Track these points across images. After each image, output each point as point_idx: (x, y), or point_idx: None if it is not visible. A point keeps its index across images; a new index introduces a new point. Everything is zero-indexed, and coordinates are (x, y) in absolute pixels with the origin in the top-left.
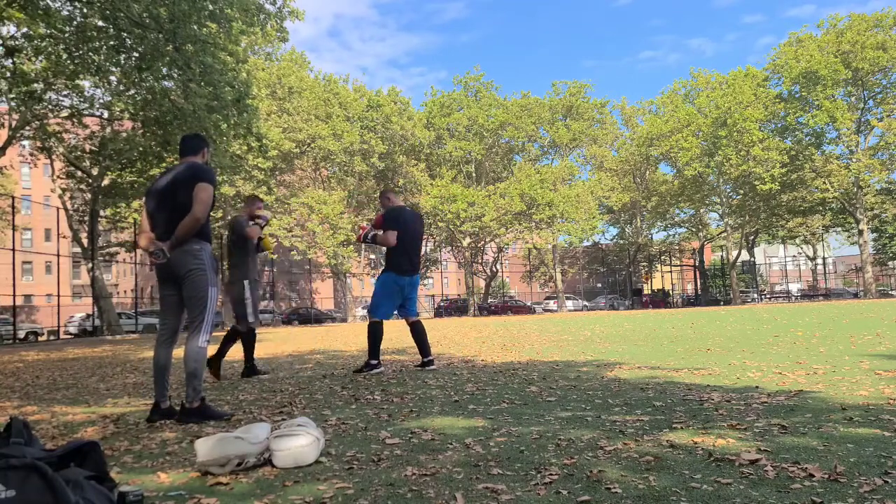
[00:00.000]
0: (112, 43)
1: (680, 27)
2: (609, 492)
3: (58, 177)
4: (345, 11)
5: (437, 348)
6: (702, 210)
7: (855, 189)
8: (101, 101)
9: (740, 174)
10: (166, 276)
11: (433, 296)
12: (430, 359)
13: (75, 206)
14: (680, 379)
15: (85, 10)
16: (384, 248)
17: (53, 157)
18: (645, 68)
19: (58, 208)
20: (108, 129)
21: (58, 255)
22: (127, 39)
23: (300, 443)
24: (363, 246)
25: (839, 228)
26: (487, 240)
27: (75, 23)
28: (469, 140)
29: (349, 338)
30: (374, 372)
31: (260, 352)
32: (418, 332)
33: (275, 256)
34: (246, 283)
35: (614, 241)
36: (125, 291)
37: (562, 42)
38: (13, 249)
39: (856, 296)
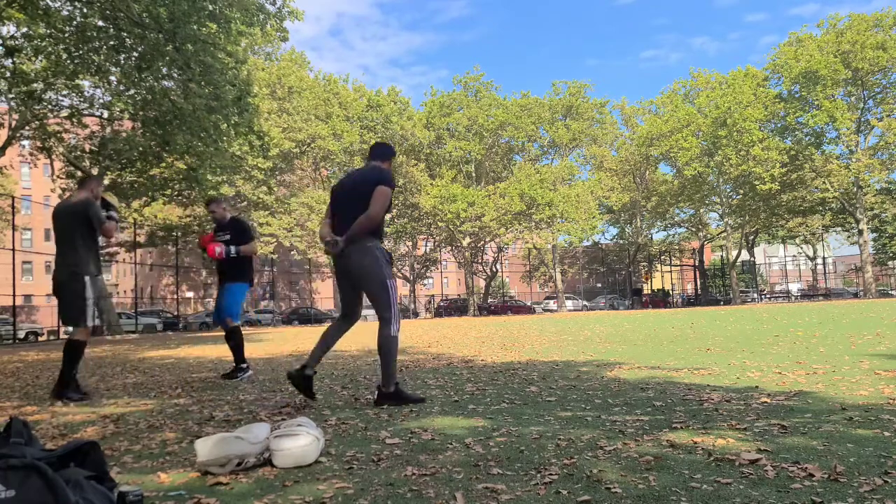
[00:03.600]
0: (112, 43)
1: (682, 26)
2: (609, 492)
3: (58, 177)
4: (347, 10)
5: (437, 348)
6: (702, 210)
7: (855, 189)
8: (101, 100)
9: (740, 174)
10: (342, 271)
11: (433, 296)
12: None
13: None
14: (680, 379)
15: (85, 10)
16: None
17: (53, 156)
18: (647, 67)
19: None
20: (108, 129)
21: None
22: (127, 39)
23: (300, 443)
24: None
25: (839, 228)
26: (487, 240)
27: (75, 23)
28: (469, 140)
29: (349, 338)
30: (248, 375)
31: (260, 351)
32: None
33: (275, 256)
34: (87, 279)
35: (614, 240)
36: (125, 291)
37: (564, 41)
38: (13, 249)
39: (856, 296)
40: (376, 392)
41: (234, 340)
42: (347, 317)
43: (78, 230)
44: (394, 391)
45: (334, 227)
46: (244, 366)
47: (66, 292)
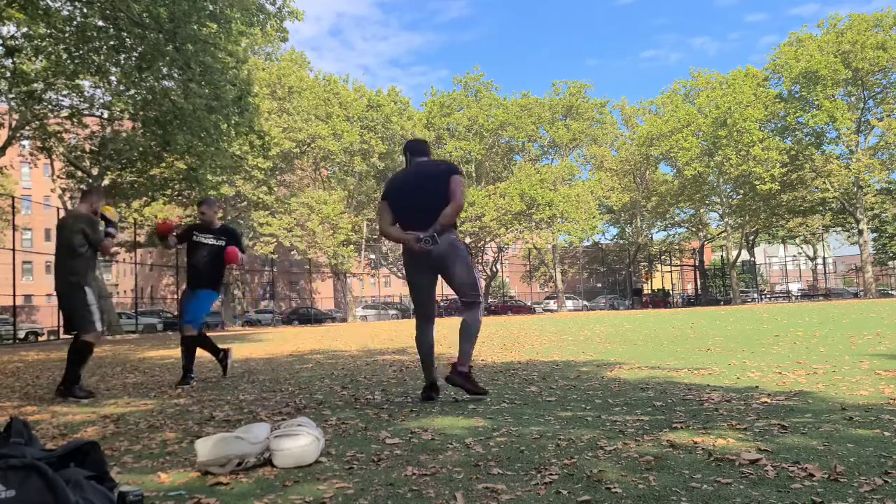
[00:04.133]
0: (112, 43)
1: (682, 26)
2: (609, 492)
3: (58, 177)
4: (347, 10)
5: (437, 348)
6: (702, 210)
7: (855, 189)
8: (101, 101)
9: (740, 174)
10: (425, 265)
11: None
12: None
13: (75, 206)
14: (680, 379)
15: (85, 10)
16: (226, 266)
17: (53, 156)
18: (647, 67)
19: (58, 208)
20: (108, 129)
21: None
22: (127, 39)
23: (300, 443)
24: (363, 245)
25: (839, 228)
26: (487, 240)
27: (75, 23)
28: (469, 140)
29: (349, 338)
30: (232, 359)
31: (260, 352)
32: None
33: (275, 256)
34: (88, 288)
35: (614, 240)
36: (125, 291)
37: (565, 41)
38: (13, 249)
39: (856, 296)
40: (449, 369)
41: (191, 346)
42: (428, 317)
43: (76, 245)
44: (467, 372)
45: (403, 228)
46: (229, 361)
47: (70, 303)
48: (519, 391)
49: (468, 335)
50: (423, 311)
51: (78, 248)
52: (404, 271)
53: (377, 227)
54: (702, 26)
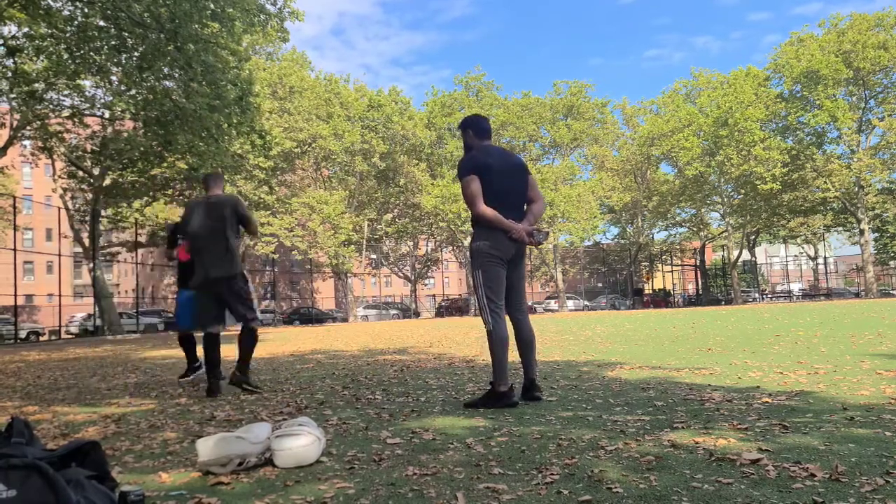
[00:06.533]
0: (113, 43)
1: (685, 25)
2: (610, 491)
3: (59, 177)
4: (349, 9)
5: (437, 348)
6: (703, 210)
7: (856, 189)
8: (102, 100)
9: (741, 174)
10: (514, 259)
11: (434, 295)
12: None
13: (76, 205)
14: (681, 379)
15: (86, 10)
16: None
17: (55, 156)
18: (650, 67)
19: (59, 208)
20: (109, 129)
21: (59, 255)
22: (128, 39)
23: (301, 442)
24: (364, 245)
25: (840, 228)
26: None
27: (76, 22)
28: None
29: (350, 338)
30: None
31: (261, 351)
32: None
33: (276, 256)
34: (246, 275)
35: (615, 240)
36: (126, 291)
37: (567, 41)
38: (14, 249)
39: (857, 295)
40: (534, 388)
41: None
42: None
43: (232, 226)
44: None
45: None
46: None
47: (239, 289)
48: (520, 391)
49: (533, 347)
50: (502, 305)
51: (232, 233)
52: (477, 261)
53: (471, 206)
54: (704, 26)
